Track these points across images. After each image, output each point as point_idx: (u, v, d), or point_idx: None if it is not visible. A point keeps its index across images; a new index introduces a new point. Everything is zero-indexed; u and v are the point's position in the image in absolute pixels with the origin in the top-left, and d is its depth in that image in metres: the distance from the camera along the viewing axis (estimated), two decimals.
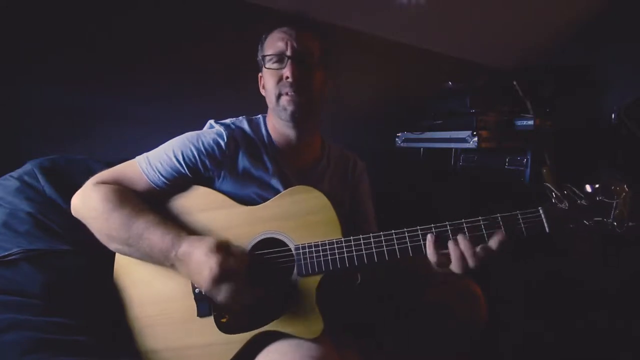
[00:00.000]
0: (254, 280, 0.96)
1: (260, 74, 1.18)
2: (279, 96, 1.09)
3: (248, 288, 0.92)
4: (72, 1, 1.40)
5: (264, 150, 1.14)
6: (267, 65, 1.10)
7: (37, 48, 1.38)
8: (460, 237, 0.91)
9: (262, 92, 1.19)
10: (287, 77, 1.07)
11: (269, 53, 1.10)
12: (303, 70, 1.08)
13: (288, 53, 1.08)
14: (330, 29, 1.17)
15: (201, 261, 0.90)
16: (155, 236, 0.96)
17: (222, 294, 0.90)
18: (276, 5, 1.77)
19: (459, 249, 0.90)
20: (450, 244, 0.91)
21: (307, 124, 1.15)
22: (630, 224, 0.86)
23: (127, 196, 1.01)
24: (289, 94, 1.08)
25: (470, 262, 0.90)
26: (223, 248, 0.91)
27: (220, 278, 0.88)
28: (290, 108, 1.08)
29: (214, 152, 1.07)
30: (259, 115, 1.21)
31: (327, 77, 1.16)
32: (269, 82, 1.11)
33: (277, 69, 1.09)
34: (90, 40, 1.47)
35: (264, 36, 1.15)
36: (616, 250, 1.81)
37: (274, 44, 1.10)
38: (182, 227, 1.01)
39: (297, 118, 1.10)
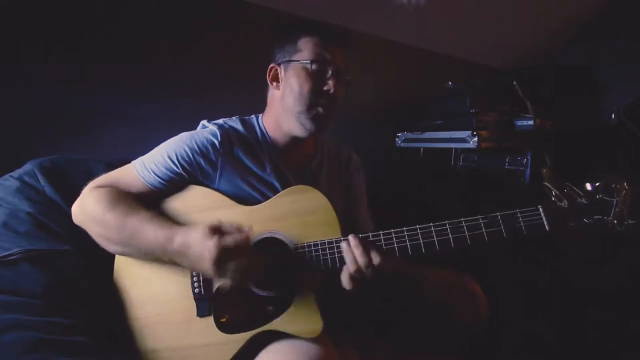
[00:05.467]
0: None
1: (273, 65, 1.14)
2: (311, 105, 1.08)
3: (253, 259, 0.92)
4: (72, 1, 1.41)
5: (259, 149, 1.14)
6: (312, 69, 1.07)
7: (37, 48, 1.38)
8: (351, 238, 0.94)
9: (273, 84, 1.15)
10: (329, 90, 1.07)
11: (314, 58, 1.08)
12: (340, 87, 1.10)
13: (333, 68, 1.09)
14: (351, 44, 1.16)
15: (199, 248, 0.89)
16: (150, 232, 0.95)
17: (230, 273, 0.90)
18: (276, 5, 1.77)
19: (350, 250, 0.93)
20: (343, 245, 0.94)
21: (323, 132, 1.16)
22: (630, 222, 0.86)
23: (121, 196, 1.01)
24: (327, 106, 1.09)
25: (360, 261, 0.92)
26: (217, 229, 0.91)
27: (221, 258, 0.87)
28: (320, 122, 1.09)
29: (208, 151, 1.07)
30: (252, 116, 1.21)
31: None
32: (302, 85, 1.07)
33: (319, 76, 1.08)
34: (90, 41, 1.47)
35: (300, 34, 1.11)
36: (613, 248, 1.81)
37: (319, 50, 1.09)
38: (176, 222, 1.01)
39: (321, 130, 1.12)
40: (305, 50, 1.09)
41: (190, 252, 0.92)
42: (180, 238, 0.93)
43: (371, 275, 0.92)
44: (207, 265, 0.88)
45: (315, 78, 1.08)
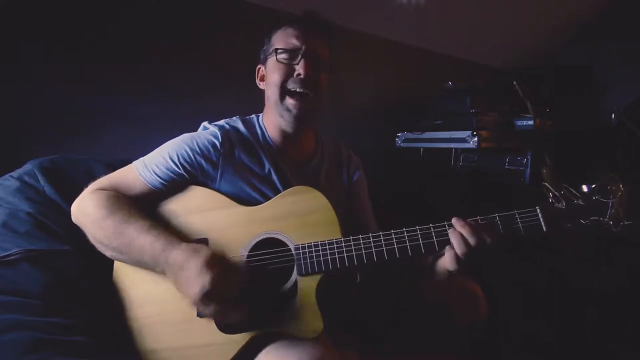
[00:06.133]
0: (255, 279, 0.97)
1: (259, 66, 1.18)
2: (283, 94, 1.09)
3: (237, 310, 0.91)
4: (72, 1, 1.41)
5: (259, 149, 1.14)
6: (278, 58, 1.09)
7: (37, 48, 1.38)
8: (454, 220, 0.93)
9: (260, 84, 1.19)
10: (299, 74, 1.08)
11: (281, 47, 1.10)
12: (313, 70, 1.09)
13: (302, 51, 1.09)
14: (334, 30, 1.17)
15: (193, 275, 0.86)
16: (146, 242, 0.95)
17: (208, 312, 0.88)
18: (276, 5, 1.77)
19: (457, 232, 0.92)
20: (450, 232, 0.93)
21: (306, 123, 1.16)
22: (626, 222, 0.87)
23: (121, 202, 1.00)
24: (298, 90, 1.08)
25: (471, 241, 0.90)
26: (219, 264, 0.88)
27: (210, 297, 0.86)
28: (294, 111, 1.09)
29: (209, 152, 1.07)
30: (253, 115, 1.22)
31: (329, 81, 1.16)
32: (274, 76, 1.09)
33: (288, 64, 1.09)
34: (90, 41, 1.47)
35: (273, 29, 1.15)
36: (608, 248, 1.81)
37: (287, 39, 1.10)
38: (175, 233, 1.00)
39: (300, 119, 1.11)
40: (276, 44, 1.12)
41: (181, 274, 0.89)
42: (175, 256, 0.91)
43: (479, 253, 0.91)
44: (191, 294, 0.86)
45: (285, 66, 1.09)
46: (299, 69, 1.08)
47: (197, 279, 0.86)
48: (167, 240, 0.95)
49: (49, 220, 1.12)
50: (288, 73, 1.09)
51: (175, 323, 1.00)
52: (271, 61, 1.12)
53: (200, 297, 0.85)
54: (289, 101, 1.09)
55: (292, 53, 1.09)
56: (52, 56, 1.42)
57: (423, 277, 1.14)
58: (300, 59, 1.08)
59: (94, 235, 1.00)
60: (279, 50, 1.09)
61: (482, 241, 0.90)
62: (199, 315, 0.99)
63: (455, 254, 0.92)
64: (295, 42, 1.09)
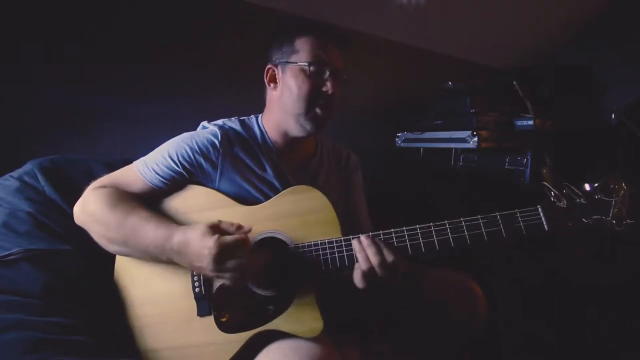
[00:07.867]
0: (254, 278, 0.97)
1: (269, 66, 1.14)
2: (311, 106, 1.08)
3: (253, 259, 0.92)
4: (72, 1, 1.41)
5: (258, 150, 1.14)
6: (308, 72, 1.07)
7: (37, 48, 1.38)
8: (363, 238, 0.94)
9: (270, 86, 1.15)
10: (329, 92, 1.07)
11: (311, 60, 1.07)
12: (338, 87, 1.10)
13: (330, 67, 1.08)
14: (352, 41, 1.16)
15: (198, 245, 0.90)
16: (149, 231, 0.96)
17: (229, 272, 0.90)
18: (276, 5, 1.77)
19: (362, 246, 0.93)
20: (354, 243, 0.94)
21: (323, 131, 1.16)
22: (628, 221, 0.86)
23: (122, 196, 1.01)
24: (325, 107, 1.09)
25: (373, 260, 0.91)
26: (216, 228, 0.92)
27: (221, 255, 0.88)
28: (319, 122, 1.10)
29: (209, 151, 1.07)
30: (252, 116, 1.21)
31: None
32: (301, 87, 1.07)
33: (316, 77, 1.08)
34: (90, 41, 1.47)
35: (296, 35, 1.11)
36: (612, 246, 1.81)
37: (315, 51, 1.08)
38: (175, 221, 1.01)
39: (322, 128, 1.12)
40: (302, 51, 1.09)
41: (189, 250, 0.92)
42: (179, 237, 0.93)
43: (384, 275, 0.91)
44: (205, 263, 0.89)
45: (313, 80, 1.08)
46: (328, 86, 1.07)
47: (203, 247, 0.88)
48: (170, 226, 0.96)
49: (49, 220, 1.12)
50: (316, 86, 1.08)
51: (175, 322, 1.01)
52: (295, 69, 1.09)
53: (212, 260, 0.87)
54: (315, 114, 1.08)
55: (320, 66, 1.08)
56: (52, 56, 1.42)
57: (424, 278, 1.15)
58: (329, 75, 1.08)
59: (97, 231, 1.01)
60: (311, 63, 1.07)
61: (384, 261, 0.91)
62: (200, 314, 1.00)
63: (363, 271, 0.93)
64: (323, 56, 1.08)
